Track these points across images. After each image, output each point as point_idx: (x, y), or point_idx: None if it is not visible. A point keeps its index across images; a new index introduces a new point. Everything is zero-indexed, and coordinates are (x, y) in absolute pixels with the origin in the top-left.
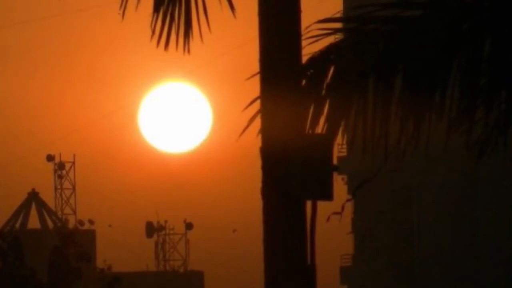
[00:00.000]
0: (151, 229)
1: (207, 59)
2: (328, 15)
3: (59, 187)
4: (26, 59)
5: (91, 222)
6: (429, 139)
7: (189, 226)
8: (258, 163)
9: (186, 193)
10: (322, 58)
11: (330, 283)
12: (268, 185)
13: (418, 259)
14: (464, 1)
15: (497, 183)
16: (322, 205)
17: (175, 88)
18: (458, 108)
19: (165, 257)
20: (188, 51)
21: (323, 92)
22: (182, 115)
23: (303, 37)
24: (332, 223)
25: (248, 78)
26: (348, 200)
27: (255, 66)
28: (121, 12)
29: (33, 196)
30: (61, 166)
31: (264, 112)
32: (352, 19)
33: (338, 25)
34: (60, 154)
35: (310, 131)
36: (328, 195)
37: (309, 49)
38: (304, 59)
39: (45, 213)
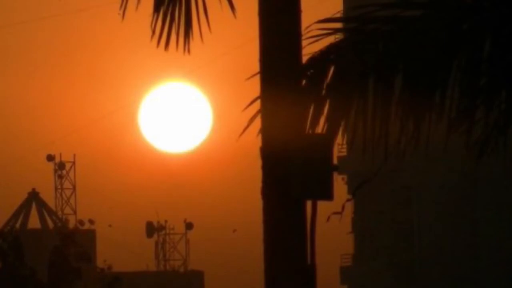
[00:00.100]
0: (151, 229)
1: (207, 59)
2: (328, 15)
3: (59, 187)
4: (26, 59)
5: (91, 222)
6: (429, 139)
7: (189, 226)
8: (258, 163)
9: (186, 193)
10: (322, 58)
11: (330, 283)
12: (268, 185)
13: (418, 259)
14: (464, 1)
15: (497, 183)
16: (322, 205)
17: (175, 88)
18: (458, 108)
19: (165, 257)
20: (188, 51)
21: (323, 92)
22: (182, 115)
23: (303, 37)
24: (332, 223)
25: (248, 78)
26: (348, 200)
27: (255, 66)
28: (121, 12)
29: (34, 196)
30: (61, 166)
31: (264, 112)
32: (352, 19)
33: (338, 25)
34: (61, 154)
35: (310, 131)
36: (328, 195)
37: (309, 49)
38: (304, 59)
39: (45, 213)
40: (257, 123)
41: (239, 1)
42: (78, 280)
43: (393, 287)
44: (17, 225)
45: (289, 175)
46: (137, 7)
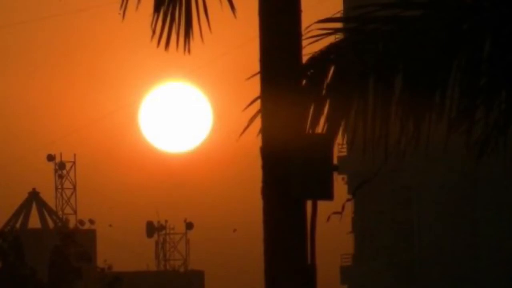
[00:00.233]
0: (151, 228)
1: (208, 59)
2: (328, 15)
3: (59, 187)
4: (26, 59)
5: (91, 221)
6: (429, 139)
7: (189, 225)
8: (258, 163)
9: (186, 193)
10: (322, 58)
11: (330, 283)
12: (268, 185)
13: (418, 259)
14: (464, 1)
15: (497, 183)
16: (322, 205)
17: (175, 88)
18: (458, 108)
19: (165, 256)
20: (189, 51)
21: (323, 92)
22: (182, 115)
23: (303, 37)
24: (332, 223)
25: (248, 78)
26: (348, 200)
27: (255, 66)
28: (121, 12)
29: (34, 195)
30: (61, 166)
31: (264, 112)
32: (352, 19)
33: (338, 25)
34: (61, 154)
35: (310, 131)
36: (328, 195)
37: (309, 49)
38: (304, 59)
39: (45, 213)
40: (257, 123)
41: (239, 1)
42: (79, 280)
43: (393, 287)
44: (18, 225)
45: (289, 175)
46: (137, 7)
